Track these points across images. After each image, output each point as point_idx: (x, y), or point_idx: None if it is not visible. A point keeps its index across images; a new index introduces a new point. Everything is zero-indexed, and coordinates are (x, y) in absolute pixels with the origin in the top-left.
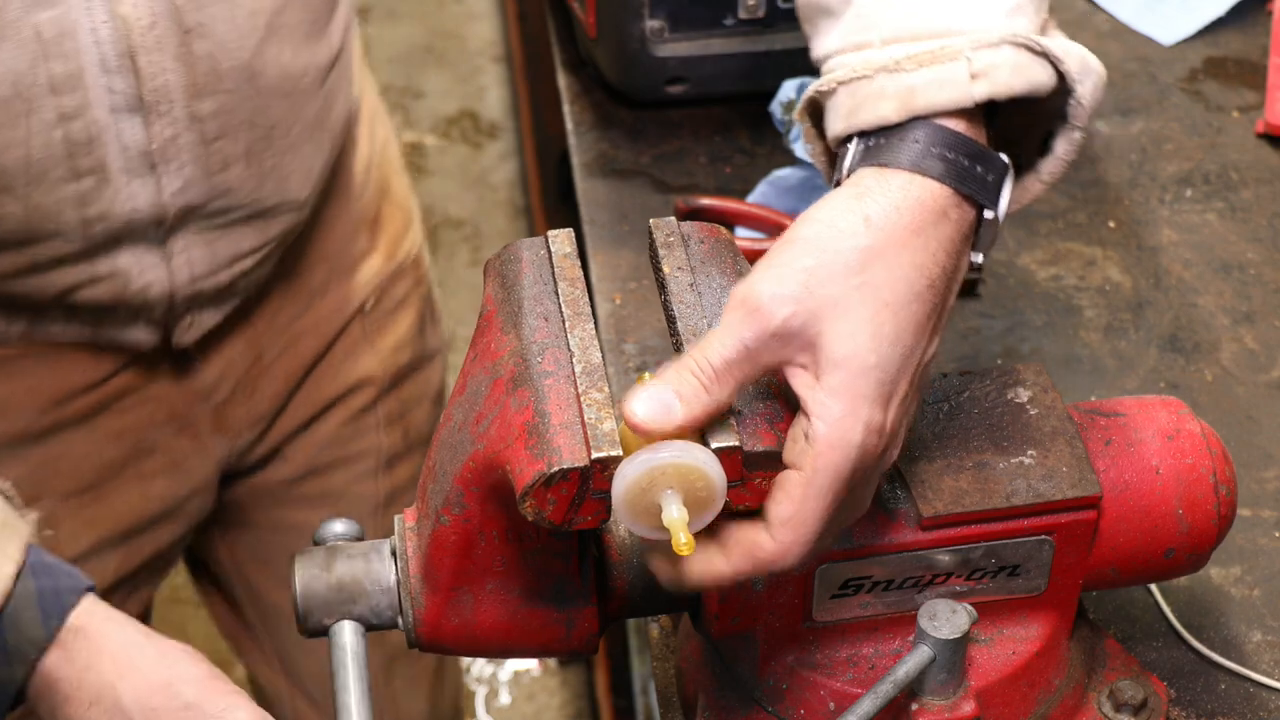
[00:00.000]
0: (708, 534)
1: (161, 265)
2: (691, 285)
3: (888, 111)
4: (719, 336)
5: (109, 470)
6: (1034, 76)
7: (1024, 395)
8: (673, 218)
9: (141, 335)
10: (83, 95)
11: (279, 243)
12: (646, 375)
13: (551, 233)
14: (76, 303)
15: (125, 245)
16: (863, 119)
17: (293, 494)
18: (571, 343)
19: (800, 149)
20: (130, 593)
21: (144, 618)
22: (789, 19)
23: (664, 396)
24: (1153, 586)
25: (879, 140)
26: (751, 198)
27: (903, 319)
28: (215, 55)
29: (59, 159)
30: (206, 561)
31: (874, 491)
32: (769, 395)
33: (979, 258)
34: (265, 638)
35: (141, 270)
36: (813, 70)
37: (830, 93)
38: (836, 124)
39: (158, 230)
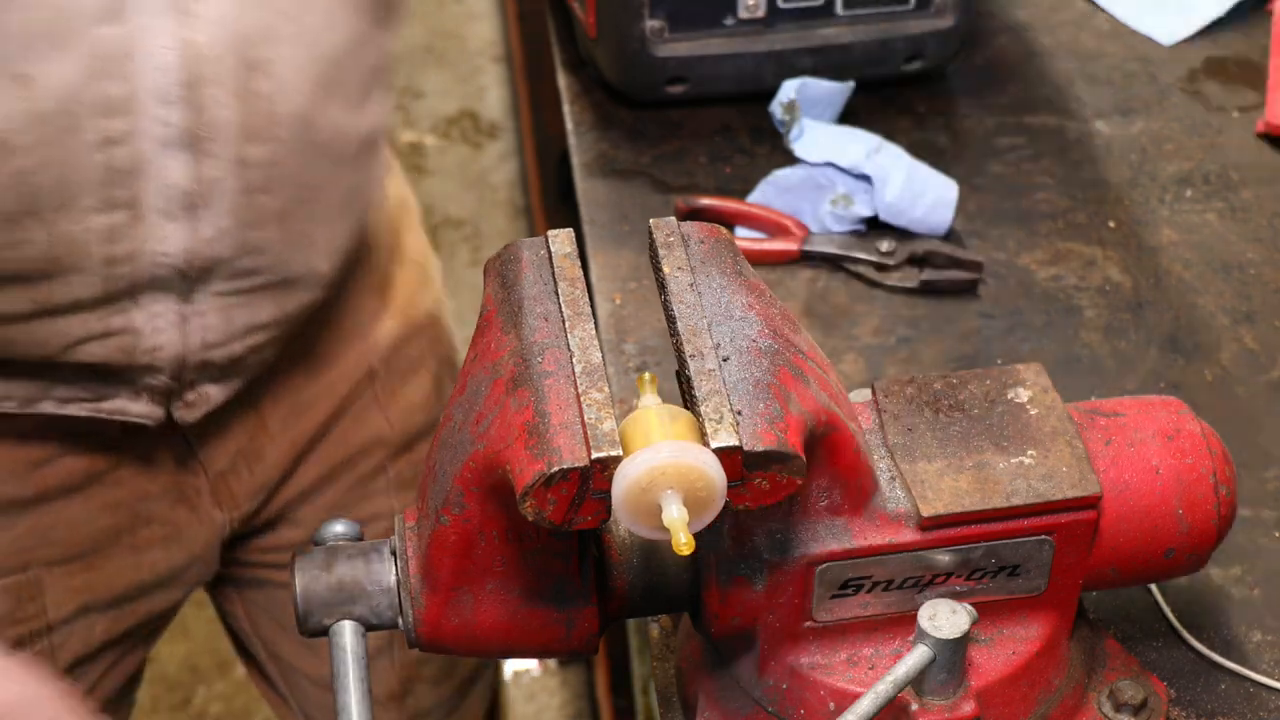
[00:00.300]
0: None
1: (176, 327)
2: (691, 285)
3: None
4: None
5: (101, 539)
6: None
7: (1024, 395)
8: (673, 218)
9: (143, 409)
10: (132, 122)
11: (294, 321)
12: (647, 375)
13: (551, 233)
14: (82, 361)
15: (144, 296)
16: None
17: None
18: (571, 343)
19: (800, 149)
20: (121, 656)
21: (135, 678)
22: (789, 19)
23: None
24: (1153, 586)
25: None
26: (751, 198)
27: None
28: (274, 98)
29: (94, 186)
30: (232, 628)
31: None
32: (769, 395)
33: None
34: (296, 707)
35: (155, 330)
36: (814, 70)
37: None
38: None
39: (181, 283)
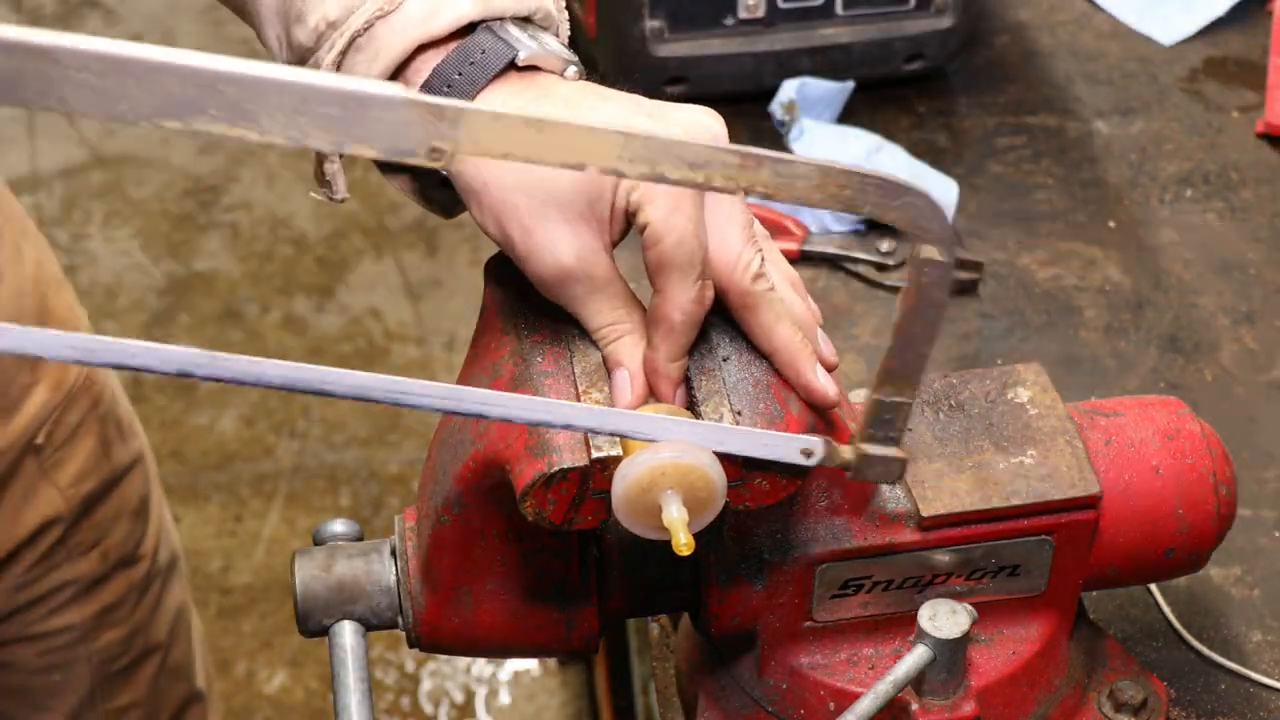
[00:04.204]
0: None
1: None
2: None
3: (468, 9)
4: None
5: None
6: None
7: (1024, 395)
8: None
9: None
10: None
11: None
12: None
13: None
14: None
15: None
16: (440, 22)
17: None
18: (571, 342)
19: (800, 149)
20: None
21: None
22: (789, 19)
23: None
24: (1153, 586)
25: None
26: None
27: None
28: None
29: None
30: None
31: None
32: (769, 395)
33: None
34: None
35: None
36: (814, 70)
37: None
38: (401, 38)
39: None
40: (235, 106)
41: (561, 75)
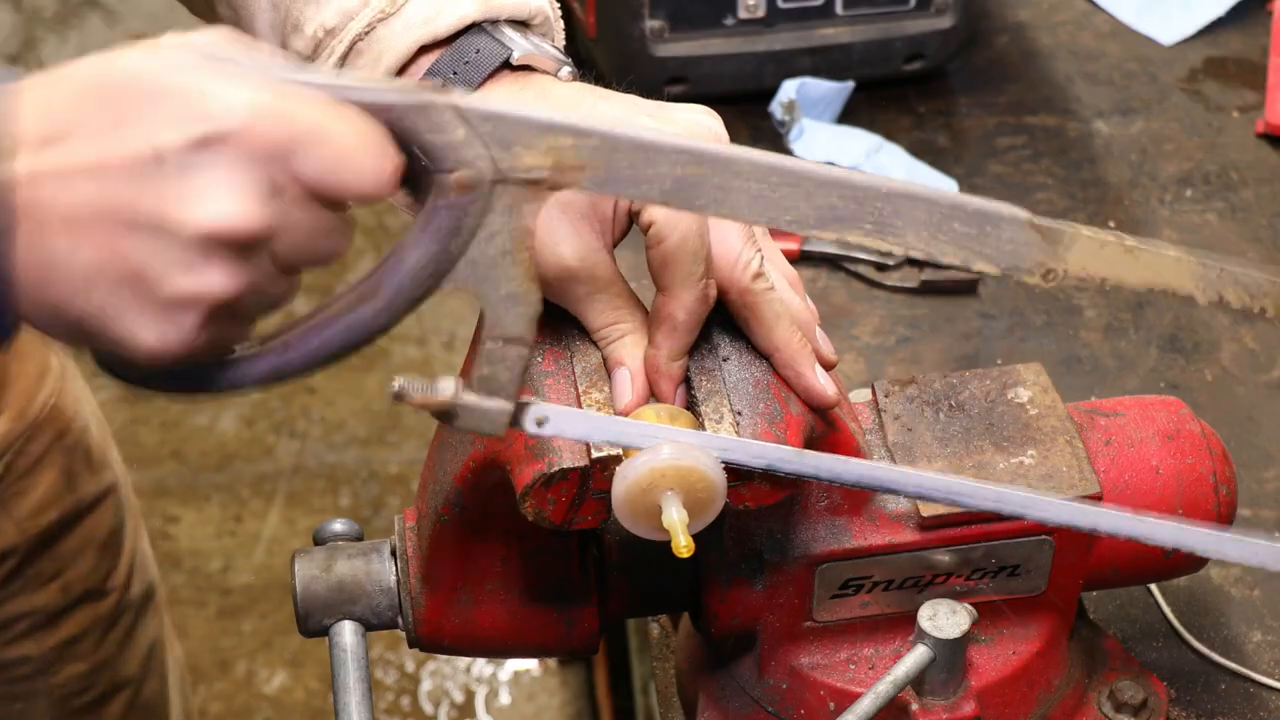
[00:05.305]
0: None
1: None
2: None
3: (469, 10)
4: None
5: None
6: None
7: (1024, 395)
8: None
9: None
10: None
11: None
12: None
13: None
14: None
15: None
16: (442, 24)
17: None
18: (571, 342)
19: (800, 149)
20: None
21: None
22: (789, 19)
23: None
24: (1153, 586)
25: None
26: None
27: None
28: None
29: None
30: None
31: None
32: (769, 395)
33: None
34: None
35: None
36: (814, 70)
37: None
38: (402, 40)
39: None
40: (886, 222)
41: (555, 76)
